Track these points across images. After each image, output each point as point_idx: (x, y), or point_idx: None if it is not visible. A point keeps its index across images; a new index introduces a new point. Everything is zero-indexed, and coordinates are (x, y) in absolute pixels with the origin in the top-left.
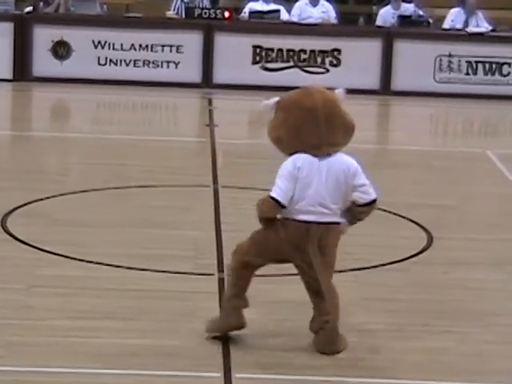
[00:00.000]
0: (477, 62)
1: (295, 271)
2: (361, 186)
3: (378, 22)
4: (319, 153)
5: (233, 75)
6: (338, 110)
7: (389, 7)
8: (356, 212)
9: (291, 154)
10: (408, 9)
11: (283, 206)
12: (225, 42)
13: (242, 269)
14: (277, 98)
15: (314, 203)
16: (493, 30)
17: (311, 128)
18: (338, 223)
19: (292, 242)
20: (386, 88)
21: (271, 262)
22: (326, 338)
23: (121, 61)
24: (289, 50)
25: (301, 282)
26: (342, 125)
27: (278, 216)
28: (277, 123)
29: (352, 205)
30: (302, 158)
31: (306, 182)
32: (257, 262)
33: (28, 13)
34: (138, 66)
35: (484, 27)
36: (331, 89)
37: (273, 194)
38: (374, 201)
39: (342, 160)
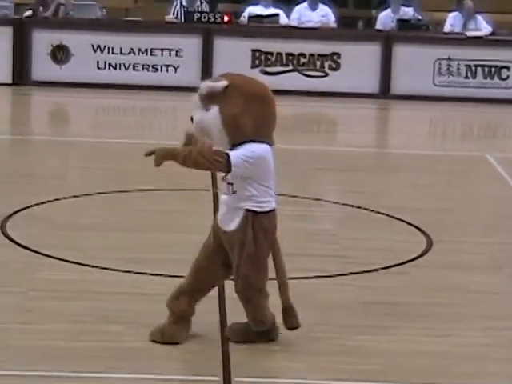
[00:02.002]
0: (476, 66)
1: (290, 275)
2: None
3: (378, 25)
4: (272, 144)
5: None
6: None
7: (388, 11)
8: None
9: (238, 144)
10: (407, 13)
11: (229, 170)
12: (224, 46)
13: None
14: (224, 81)
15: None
16: (492, 34)
17: (274, 121)
18: None
19: (274, 231)
20: (385, 92)
21: None
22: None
23: (120, 65)
24: (288, 54)
25: (301, 286)
26: None
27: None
28: (238, 110)
29: None
30: (268, 150)
31: (272, 174)
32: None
33: (27, 17)
34: (138, 70)
35: (484, 29)
36: (328, 93)
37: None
38: None
39: None
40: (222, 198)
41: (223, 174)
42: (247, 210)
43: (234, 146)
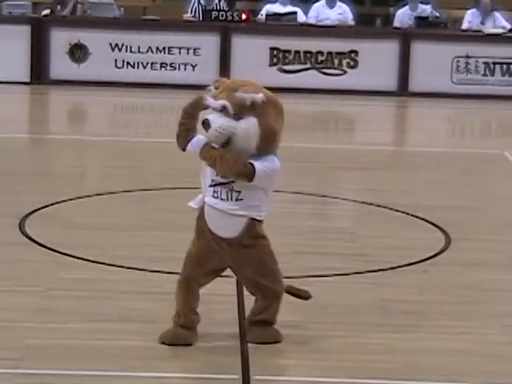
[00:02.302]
0: (494, 63)
1: (307, 273)
2: None
3: (396, 23)
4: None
5: (250, 77)
6: None
7: (406, 8)
8: None
9: (263, 155)
10: (425, 10)
11: (251, 180)
12: (242, 44)
13: None
14: (261, 94)
15: None
16: (510, 30)
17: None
18: None
19: None
20: (403, 89)
21: None
22: None
23: (138, 63)
24: (306, 52)
25: (319, 285)
26: None
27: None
28: (275, 124)
29: None
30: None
31: None
32: None
33: (45, 16)
34: (155, 69)
35: (502, 27)
36: (347, 91)
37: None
38: None
39: None
40: (214, 202)
41: (221, 181)
42: (251, 219)
43: (252, 157)
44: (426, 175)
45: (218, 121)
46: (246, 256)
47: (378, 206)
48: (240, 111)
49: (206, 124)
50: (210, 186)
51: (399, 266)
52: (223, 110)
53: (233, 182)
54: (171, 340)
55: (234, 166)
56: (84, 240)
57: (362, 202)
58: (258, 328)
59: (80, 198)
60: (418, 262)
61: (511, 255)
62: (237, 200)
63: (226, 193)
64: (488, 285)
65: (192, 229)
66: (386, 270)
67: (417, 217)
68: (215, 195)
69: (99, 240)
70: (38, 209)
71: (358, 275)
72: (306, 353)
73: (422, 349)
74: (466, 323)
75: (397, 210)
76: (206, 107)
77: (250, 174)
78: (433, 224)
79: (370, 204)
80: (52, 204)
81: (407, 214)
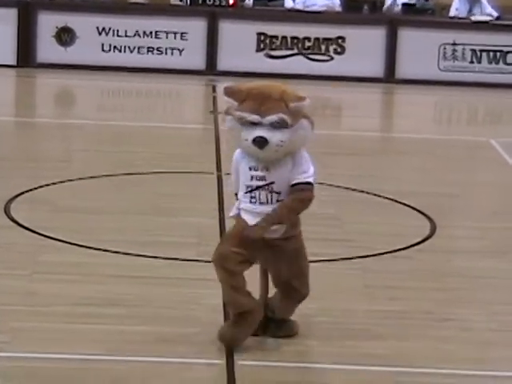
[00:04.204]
0: (481, 51)
1: None
2: None
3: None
4: None
5: (237, 62)
6: None
7: None
8: None
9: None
10: None
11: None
12: (229, 29)
13: None
14: (307, 99)
15: None
16: (498, 18)
17: None
18: None
19: None
20: (390, 76)
21: None
22: None
23: (125, 47)
24: (293, 38)
25: None
26: None
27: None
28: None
29: None
30: None
31: None
32: None
33: None
34: (142, 53)
35: (488, 13)
36: (333, 77)
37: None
38: None
39: None
40: (253, 207)
41: (259, 184)
42: None
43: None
44: (412, 162)
45: (275, 136)
46: (286, 256)
47: (365, 192)
48: (294, 121)
49: (263, 142)
50: (247, 192)
51: (386, 252)
52: (277, 124)
53: (272, 183)
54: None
55: (305, 203)
56: (69, 224)
57: (348, 188)
58: (277, 324)
59: (65, 181)
60: (404, 249)
61: (497, 242)
62: (277, 201)
63: (265, 196)
64: (474, 272)
65: (175, 213)
66: (372, 256)
67: (403, 203)
68: (253, 200)
69: (85, 224)
70: (24, 192)
71: (345, 261)
72: (291, 338)
73: (409, 335)
74: (452, 310)
75: (383, 197)
76: (258, 123)
77: (312, 193)
78: (418, 211)
79: (356, 190)
80: (38, 187)
81: (393, 200)
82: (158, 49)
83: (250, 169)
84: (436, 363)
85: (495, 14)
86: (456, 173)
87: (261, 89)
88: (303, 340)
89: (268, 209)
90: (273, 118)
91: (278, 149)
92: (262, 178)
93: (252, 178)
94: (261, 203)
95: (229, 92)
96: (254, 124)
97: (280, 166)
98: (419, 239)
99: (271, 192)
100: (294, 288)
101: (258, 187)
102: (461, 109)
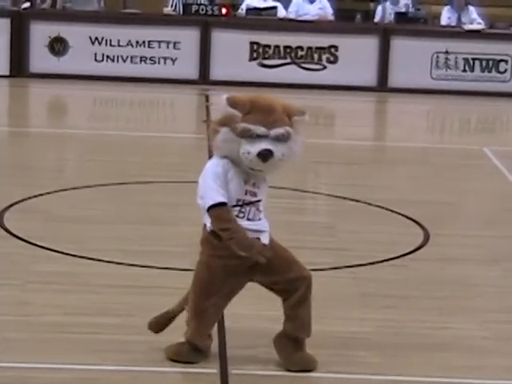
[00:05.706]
0: (474, 59)
1: None
2: None
3: (376, 18)
4: None
5: (230, 72)
6: None
7: (387, 4)
8: None
9: None
10: (405, 5)
11: None
12: (222, 39)
13: None
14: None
15: None
16: (490, 27)
17: None
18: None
19: None
20: (382, 85)
21: None
22: None
23: (118, 57)
24: (286, 47)
25: None
26: None
27: None
28: None
29: None
30: None
31: None
32: None
33: (25, 9)
34: (135, 63)
35: (476, 22)
36: (326, 86)
37: None
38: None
39: None
40: (239, 222)
41: (251, 199)
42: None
43: None
44: (405, 170)
45: (279, 149)
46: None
47: (358, 200)
48: (295, 135)
49: (268, 155)
50: (236, 205)
51: (379, 261)
52: (282, 137)
53: (259, 201)
54: None
55: None
56: (62, 233)
57: (342, 197)
58: (293, 353)
59: (59, 191)
60: (397, 257)
61: (490, 251)
62: (259, 219)
63: (253, 212)
64: (467, 280)
65: (168, 222)
66: (365, 264)
67: (396, 212)
68: (241, 215)
69: (78, 233)
70: (17, 202)
71: (338, 270)
72: None
73: (403, 343)
74: (445, 318)
75: (376, 205)
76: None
77: None
78: (412, 219)
79: (349, 199)
80: (31, 197)
81: (386, 209)
82: (150, 58)
83: (246, 182)
84: (431, 372)
85: (481, 21)
86: (449, 181)
87: (266, 100)
88: None
89: (252, 226)
90: (279, 130)
91: (279, 163)
92: (254, 194)
93: (246, 192)
94: (248, 219)
95: (232, 103)
96: (259, 137)
97: (265, 185)
98: (413, 248)
99: (257, 209)
100: (294, 278)
101: (250, 202)
102: (454, 117)
